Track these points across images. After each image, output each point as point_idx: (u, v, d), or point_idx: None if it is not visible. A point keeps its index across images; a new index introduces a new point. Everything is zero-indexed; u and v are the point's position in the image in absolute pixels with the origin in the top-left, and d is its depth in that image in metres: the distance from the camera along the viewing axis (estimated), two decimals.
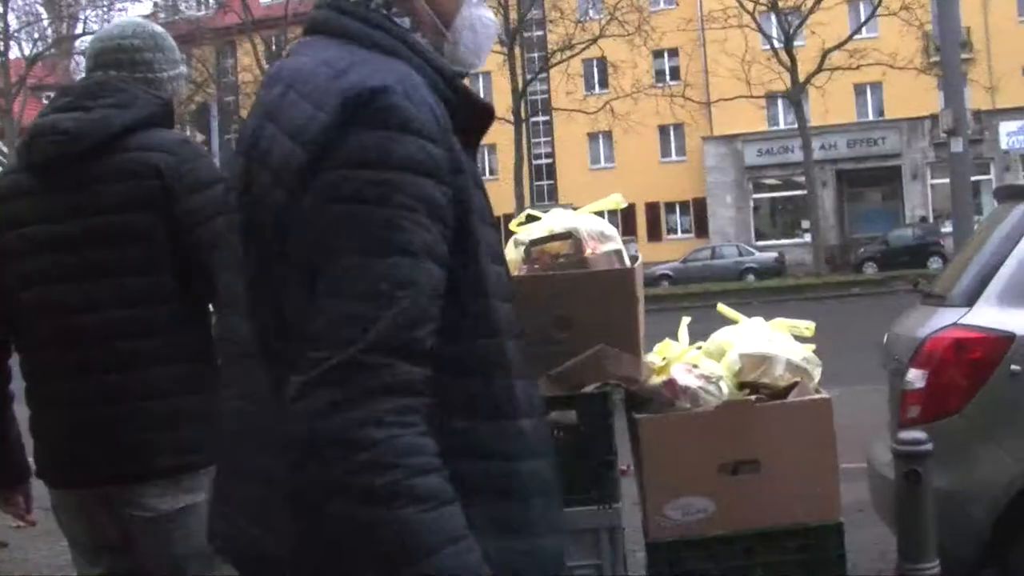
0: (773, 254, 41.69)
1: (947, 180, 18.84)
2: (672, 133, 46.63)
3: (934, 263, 32.87)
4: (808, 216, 38.57)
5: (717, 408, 3.48)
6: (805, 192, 38.15)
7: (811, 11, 35.20)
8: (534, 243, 3.63)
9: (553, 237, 3.62)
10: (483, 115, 1.87)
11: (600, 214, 3.80)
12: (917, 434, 3.79)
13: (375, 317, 1.60)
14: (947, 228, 31.28)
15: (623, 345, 3.52)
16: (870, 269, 37.73)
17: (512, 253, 3.71)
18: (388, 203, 1.63)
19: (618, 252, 3.64)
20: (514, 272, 3.65)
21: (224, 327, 2.00)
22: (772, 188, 46.59)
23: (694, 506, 3.44)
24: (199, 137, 13.48)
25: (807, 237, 40.07)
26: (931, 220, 41.70)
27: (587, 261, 3.57)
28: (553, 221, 3.71)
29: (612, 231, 3.72)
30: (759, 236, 45.50)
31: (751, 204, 46.35)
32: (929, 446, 3.69)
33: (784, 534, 3.45)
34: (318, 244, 1.65)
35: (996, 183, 32.23)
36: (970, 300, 4.40)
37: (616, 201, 3.85)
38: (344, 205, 1.64)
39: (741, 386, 3.62)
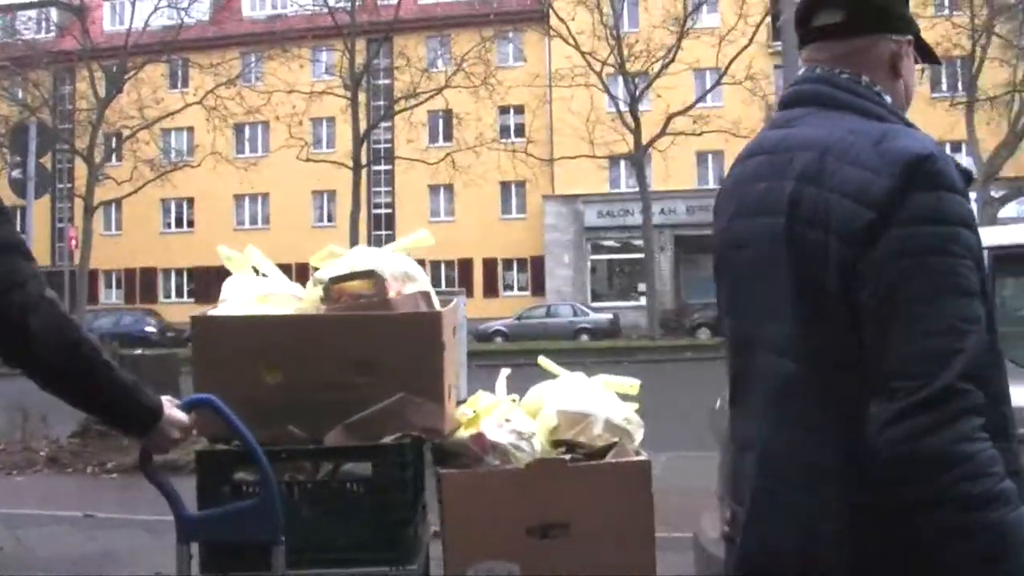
0: (608, 315, 41.87)
1: None
2: (513, 189, 46.74)
3: None
4: (645, 279, 38.95)
5: (528, 466, 3.21)
6: (643, 256, 38.53)
7: (657, 75, 35.76)
8: (334, 281, 3.34)
9: (354, 275, 3.33)
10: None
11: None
12: None
13: (958, 349, 1.89)
14: None
15: (427, 393, 3.23)
16: (704, 334, 38.11)
17: (311, 291, 3.42)
18: (951, 253, 1.92)
19: (425, 294, 3.38)
20: (312, 311, 3.37)
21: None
22: (610, 250, 46.96)
23: (498, 570, 3.16)
24: (14, 159, 12.73)
25: (643, 300, 40.45)
26: None
27: (390, 302, 3.29)
28: (355, 259, 3.43)
29: (418, 271, 3.46)
30: (595, 297, 45.77)
31: (589, 265, 46.64)
32: None
33: None
34: (891, 289, 1.94)
35: None
36: None
37: (423, 239, 3.60)
38: (915, 258, 1.92)
39: (556, 444, 3.36)
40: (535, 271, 46.99)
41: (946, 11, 34.47)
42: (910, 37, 2.25)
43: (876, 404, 1.92)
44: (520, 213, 47.59)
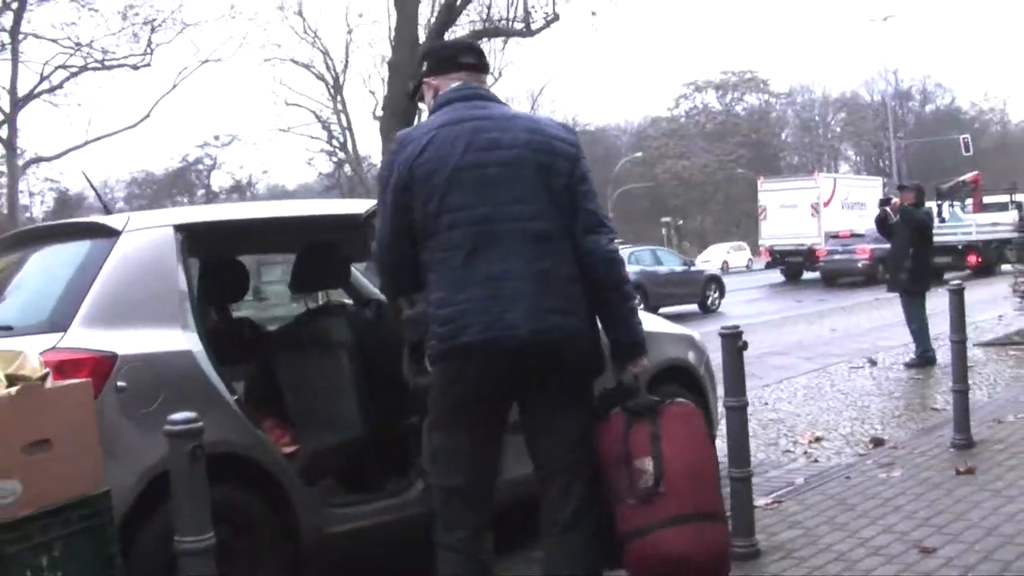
0: None
1: None
2: None
3: None
4: None
5: (18, 391, 3.55)
6: None
7: None
8: None
9: None
10: None
11: None
12: None
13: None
14: None
15: None
16: None
17: None
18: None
19: None
20: None
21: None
22: None
23: (6, 488, 3.47)
24: None
25: None
26: None
27: None
28: None
29: None
30: None
31: None
32: None
33: (72, 506, 3.68)
34: (588, 183, 4.36)
35: None
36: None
37: None
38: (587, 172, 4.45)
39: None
40: None
41: None
42: None
43: (600, 234, 4.23)
44: None
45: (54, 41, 34.70)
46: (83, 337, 4.84)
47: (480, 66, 4.44)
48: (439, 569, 4.21)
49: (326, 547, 5.31)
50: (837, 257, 38.49)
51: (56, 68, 35.22)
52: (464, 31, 18.47)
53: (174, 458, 3.69)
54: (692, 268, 32.84)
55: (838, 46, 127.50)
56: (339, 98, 47.35)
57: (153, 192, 71.39)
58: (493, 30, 19.71)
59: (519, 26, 19.41)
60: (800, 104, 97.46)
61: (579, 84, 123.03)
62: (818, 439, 9.32)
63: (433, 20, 15.82)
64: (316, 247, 6.51)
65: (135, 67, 35.59)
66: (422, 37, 16.27)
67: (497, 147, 4.07)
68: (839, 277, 38.06)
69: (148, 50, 35.41)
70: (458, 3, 16.85)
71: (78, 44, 34.86)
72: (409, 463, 5.83)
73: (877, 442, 8.95)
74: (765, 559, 5.82)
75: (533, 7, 18.91)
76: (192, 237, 5.48)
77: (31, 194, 51.49)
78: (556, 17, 18.98)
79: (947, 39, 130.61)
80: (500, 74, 34.14)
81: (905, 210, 13.62)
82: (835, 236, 39.43)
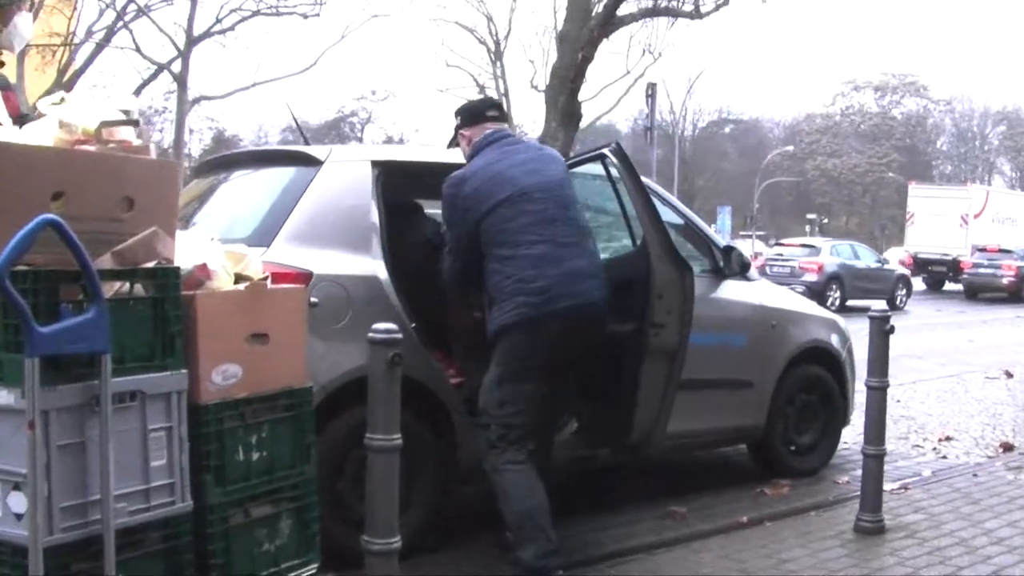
0: None
1: None
2: None
3: None
4: None
5: (247, 287, 4.03)
6: None
7: None
8: (105, 124, 3.72)
9: (125, 121, 3.76)
10: None
11: None
12: None
13: None
14: None
15: (166, 229, 3.85)
16: None
17: (58, 132, 3.72)
18: None
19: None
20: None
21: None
22: None
23: (230, 371, 3.95)
24: None
25: None
26: None
27: (148, 148, 3.83)
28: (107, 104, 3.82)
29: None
30: None
31: None
32: None
33: (281, 395, 4.16)
34: None
35: None
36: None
37: None
38: None
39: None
40: None
41: None
42: None
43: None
44: None
45: None
46: (284, 253, 5.36)
47: (502, 116, 5.64)
48: (505, 487, 5.07)
49: (477, 476, 5.74)
50: (982, 271, 37.83)
51: (231, 11, 36.33)
52: (634, 7, 18.68)
53: (374, 364, 4.14)
54: (885, 266, 33.46)
55: (1003, 57, 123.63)
56: (499, 64, 47.71)
57: (306, 140, 72.36)
58: (663, 9, 19.90)
59: (688, 8, 19.57)
60: (959, 113, 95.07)
61: (735, 74, 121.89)
62: (948, 438, 9.48)
63: None
64: None
65: (305, 16, 36.40)
66: (595, 10, 16.56)
67: (540, 172, 5.34)
68: (982, 291, 37.44)
69: (319, 0, 36.15)
70: None
71: None
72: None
73: (1007, 447, 9.09)
74: (889, 535, 6.11)
75: None
76: (386, 173, 5.93)
77: (190, 131, 52.99)
78: (726, 1, 19.06)
79: None
80: (660, 54, 34.05)
81: None
82: (982, 249, 38.71)
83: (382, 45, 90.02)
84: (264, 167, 6.30)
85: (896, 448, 8.85)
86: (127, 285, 3.66)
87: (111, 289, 3.60)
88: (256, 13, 36.89)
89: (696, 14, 19.72)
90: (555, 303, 5.07)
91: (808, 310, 8.05)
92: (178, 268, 3.80)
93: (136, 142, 3.82)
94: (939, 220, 42.06)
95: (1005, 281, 36.84)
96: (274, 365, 4.11)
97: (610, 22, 16.74)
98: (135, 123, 3.84)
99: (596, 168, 6.38)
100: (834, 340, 7.98)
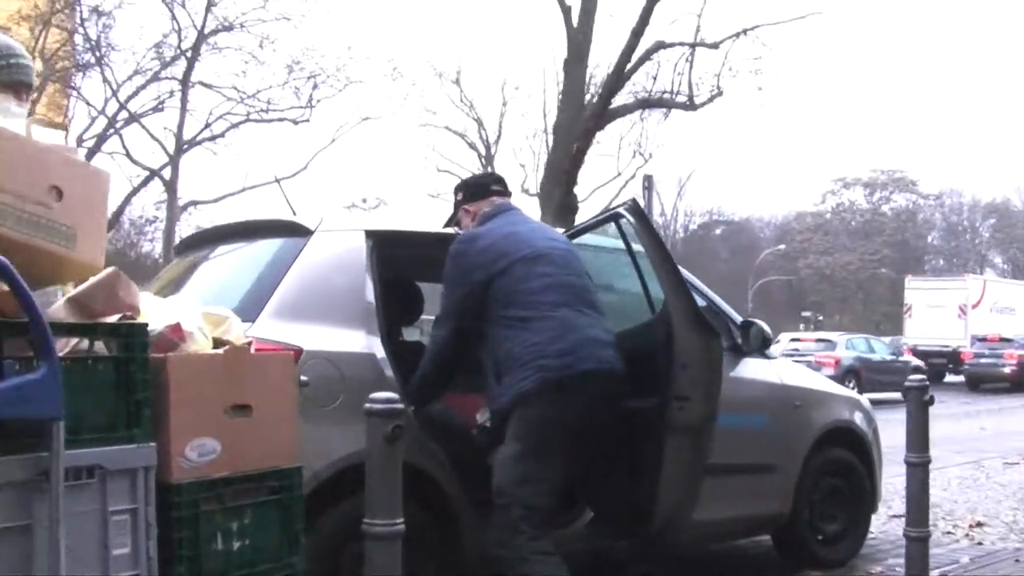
0: None
1: None
2: None
3: None
4: None
5: (226, 351, 3.56)
6: None
7: None
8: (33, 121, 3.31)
9: (56, 125, 3.34)
10: None
11: None
12: None
13: None
14: None
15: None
16: None
17: None
18: None
19: None
20: None
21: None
22: None
23: (207, 447, 3.46)
24: None
25: None
26: None
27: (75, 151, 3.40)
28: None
29: None
30: None
31: None
32: None
33: (266, 475, 3.66)
34: None
35: None
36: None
37: None
38: None
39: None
40: None
41: None
42: None
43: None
44: None
45: (218, 91, 35.72)
46: (271, 328, 4.84)
47: (507, 191, 5.47)
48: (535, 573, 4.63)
49: (488, 565, 5.22)
50: (983, 361, 37.44)
51: (219, 117, 36.25)
52: (629, 98, 18.56)
53: (372, 438, 3.66)
54: (900, 358, 33.54)
55: (990, 150, 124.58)
56: (489, 169, 47.78)
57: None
58: (657, 100, 19.76)
59: (682, 99, 19.42)
60: (948, 207, 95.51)
61: (725, 174, 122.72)
62: (979, 524, 8.98)
63: (601, 85, 15.93)
64: None
65: (295, 121, 36.35)
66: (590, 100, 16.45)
67: (554, 240, 5.26)
68: (984, 381, 36.99)
69: (309, 105, 36.10)
70: (627, 70, 16.90)
71: (242, 95, 35.82)
72: (575, 496, 5.71)
73: None
74: None
75: (699, 81, 18.95)
76: (380, 244, 5.49)
77: (181, 237, 52.83)
78: (720, 92, 18.97)
79: None
80: (651, 155, 34.03)
81: None
82: (982, 339, 38.36)
83: (373, 150, 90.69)
84: (250, 240, 5.85)
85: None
86: (85, 341, 3.21)
87: (66, 345, 3.15)
88: (246, 119, 36.84)
89: (690, 105, 19.61)
90: (580, 365, 4.79)
91: (832, 389, 7.61)
92: (145, 324, 3.35)
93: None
94: (937, 312, 41.81)
95: (1007, 370, 36.43)
96: (258, 441, 3.64)
97: (604, 113, 16.56)
98: (64, 128, 3.45)
99: (604, 241, 5.98)
100: (859, 420, 7.51)
